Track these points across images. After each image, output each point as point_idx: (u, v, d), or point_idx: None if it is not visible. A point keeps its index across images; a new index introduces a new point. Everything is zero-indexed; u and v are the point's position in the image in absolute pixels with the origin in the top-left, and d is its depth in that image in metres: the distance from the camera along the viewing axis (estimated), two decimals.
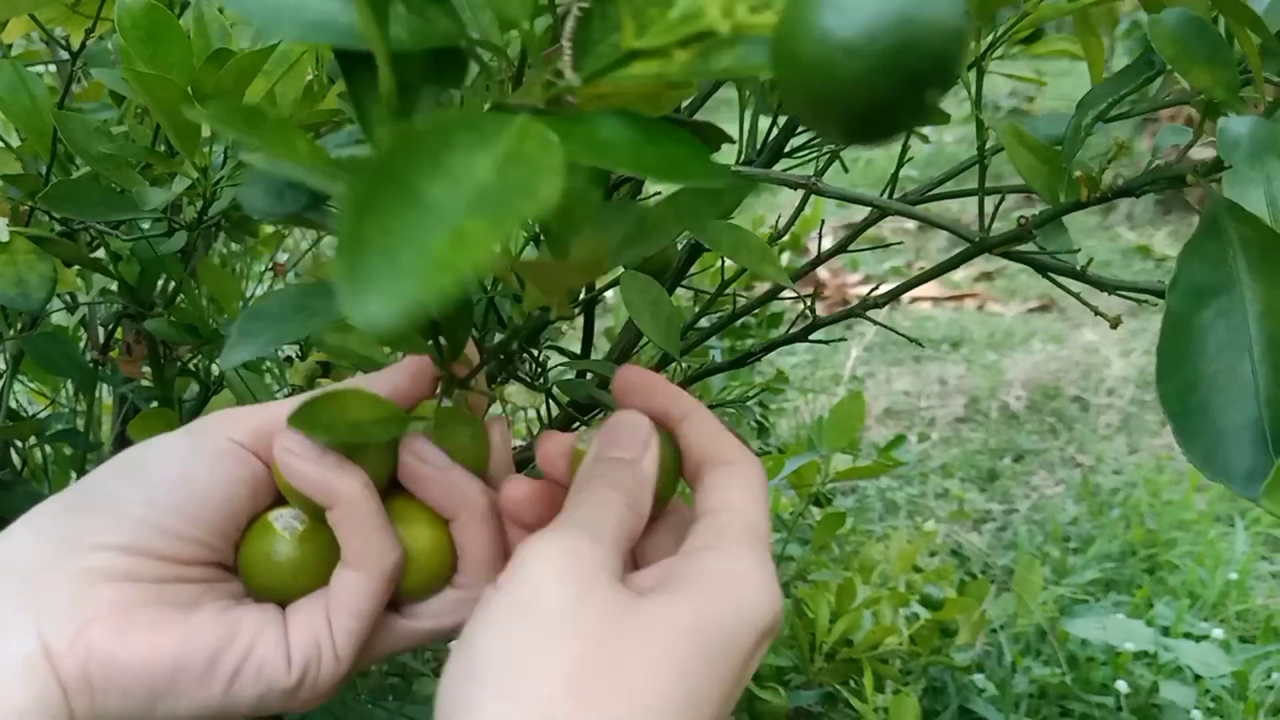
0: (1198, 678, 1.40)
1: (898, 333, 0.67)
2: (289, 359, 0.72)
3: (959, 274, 3.78)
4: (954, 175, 0.64)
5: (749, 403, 0.73)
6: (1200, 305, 0.36)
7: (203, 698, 0.37)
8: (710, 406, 0.75)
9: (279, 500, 0.42)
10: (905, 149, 0.66)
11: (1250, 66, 0.41)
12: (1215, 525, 1.93)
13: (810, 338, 0.63)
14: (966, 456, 2.31)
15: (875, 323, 0.64)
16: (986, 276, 3.76)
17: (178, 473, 0.39)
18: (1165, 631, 1.50)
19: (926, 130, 0.89)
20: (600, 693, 0.31)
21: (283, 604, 0.41)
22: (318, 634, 0.39)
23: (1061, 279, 0.54)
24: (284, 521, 0.41)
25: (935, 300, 3.63)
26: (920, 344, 0.65)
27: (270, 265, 1.42)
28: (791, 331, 0.64)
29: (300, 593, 0.41)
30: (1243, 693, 1.36)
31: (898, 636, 1.19)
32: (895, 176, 0.62)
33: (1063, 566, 1.83)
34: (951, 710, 1.31)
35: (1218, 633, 1.48)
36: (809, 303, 0.63)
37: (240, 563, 0.41)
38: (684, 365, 0.63)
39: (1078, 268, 0.51)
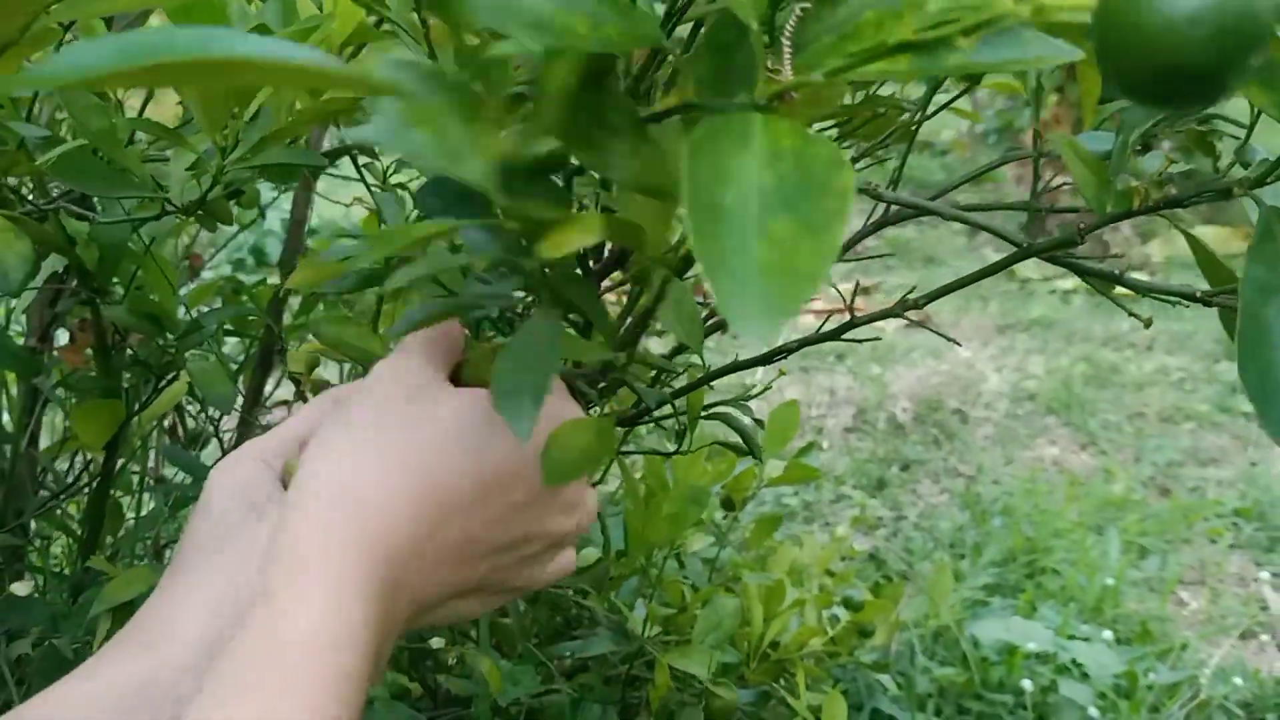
0: (1086, 676, 1.48)
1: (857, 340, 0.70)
2: (280, 350, 0.70)
3: (843, 286, 3.89)
4: (980, 173, 0.68)
5: (748, 402, 0.75)
6: (1265, 301, 0.40)
7: None
8: (707, 407, 0.76)
9: None
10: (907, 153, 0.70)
11: None
12: (1089, 534, 2.04)
13: (844, 336, 0.66)
14: (857, 465, 2.38)
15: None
16: (864, 291, 3.89)
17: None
18: (1053, 634, 1.58)
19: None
20: (399, 418, 0.40)
21: None
22: None
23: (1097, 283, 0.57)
24: None
25: (817, 313, 3.73)
26: (955, 342, 0.68)
27: (186, 257, 1.37)
28: (823, 331, 0.66)
29: None
30: (1132, 691, 1.44)
31: (822, 637, 1.22)
32: (897, 180, 0.65)
33: (957, 572, 1.91)
34: (866, 710, 1.36)
35: (1107, 634, 1.57)
36: (850, 301, 0.65)
37: None
38: (705, 363, 0.64)
39: (1116, 273, 0.54)
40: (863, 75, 0.28)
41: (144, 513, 1.11)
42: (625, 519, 0.94)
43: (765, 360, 0.71)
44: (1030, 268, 4.15)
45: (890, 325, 3.51)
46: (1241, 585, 1.94)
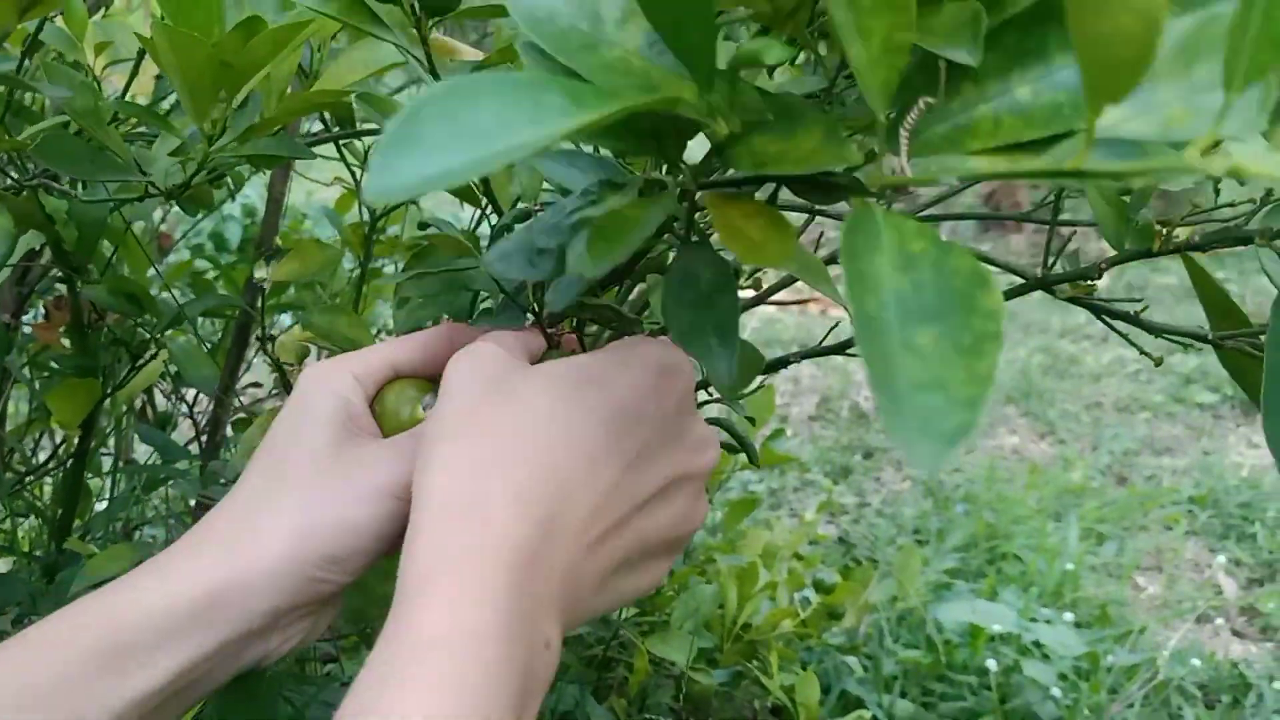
0: (1047, 657, 1.51)
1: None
2: (271, 337, 0.70)
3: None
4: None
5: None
6: None
7: None
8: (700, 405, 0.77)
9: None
10: None
11: None
12: (1048, 521, 2.08)
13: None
14: (821, 452, 2.41)
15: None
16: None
17: (336, 519, 0.41)
18: (1016, 615, 1.61)
19: None
20: (489, 416, 0.38)
21: None
22: None
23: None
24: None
25: (780, 304, 3.75)
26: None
27: (155, 237, 1.36)
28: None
29: None
30: (1092, 672, 1.47)
31: (794, 619, 1.23)
32: None
33: (921, 558, 1.93)
34: (834, 691, 1.38)
35: (1069, 616, 1.60)
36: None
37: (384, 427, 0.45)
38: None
39: (1132, 313, 0.55)
40: (975, 173, 0.28)
41: (115, 494, 1.10)
42: None
43: (772, 369, 0.71)
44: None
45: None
46: (1197, 571, 1.98)
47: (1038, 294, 0.58)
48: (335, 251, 0.78)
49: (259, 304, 1.05)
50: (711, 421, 0.74)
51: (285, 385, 0.75)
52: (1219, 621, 1.81)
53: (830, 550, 1.93)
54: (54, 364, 0.89)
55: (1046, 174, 0.27)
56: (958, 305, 0.23)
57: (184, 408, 1.28)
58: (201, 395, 1.15)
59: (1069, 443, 2.53)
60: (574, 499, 0.37)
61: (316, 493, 0.40)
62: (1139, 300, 0.55)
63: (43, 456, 1.19)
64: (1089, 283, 0.53)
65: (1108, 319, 0.56)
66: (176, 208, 1.43)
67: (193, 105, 0.52)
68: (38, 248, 0.84)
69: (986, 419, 2.64)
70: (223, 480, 1.04)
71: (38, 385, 1.03)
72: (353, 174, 0.89)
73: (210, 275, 1.43)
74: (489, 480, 0.36)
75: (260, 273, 0.70)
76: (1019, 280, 0.57)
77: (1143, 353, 0.59)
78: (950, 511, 2.13)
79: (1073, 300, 0.55)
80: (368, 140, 0.98)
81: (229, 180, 0.88)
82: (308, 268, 0.72)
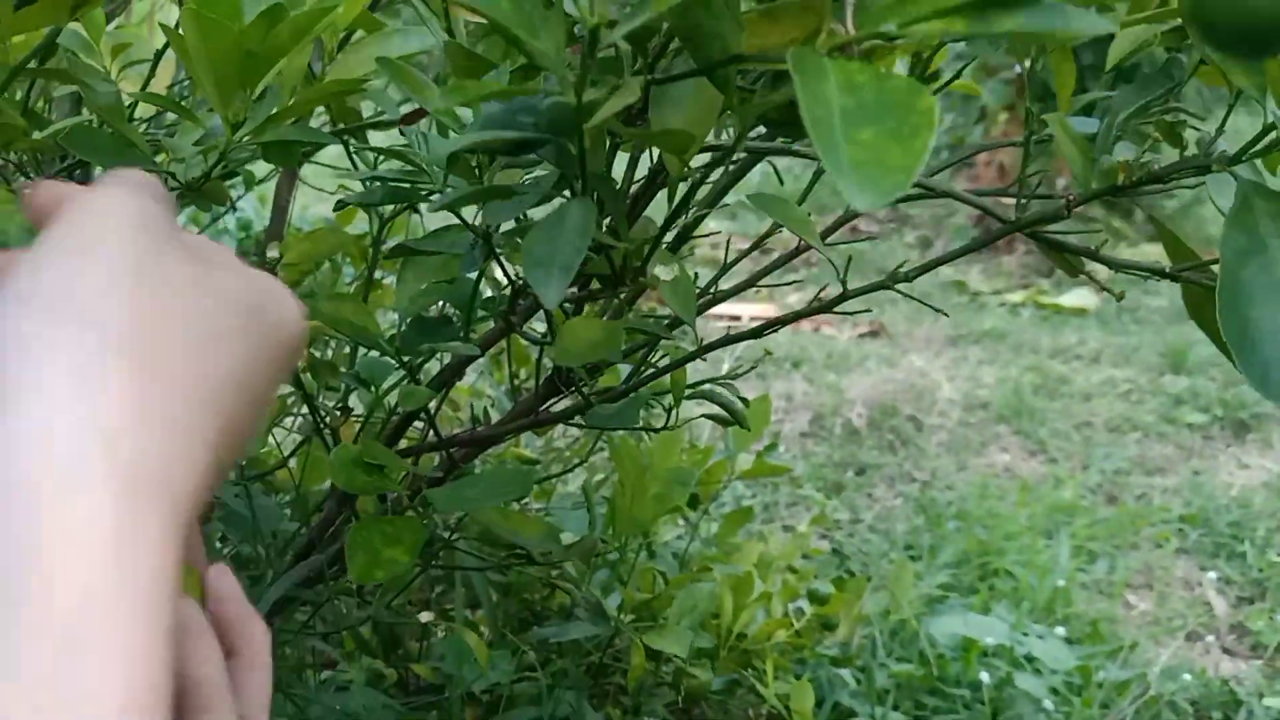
0: (1039, 672, 1.52)
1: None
2: None
3: (792, 298, 3.95)
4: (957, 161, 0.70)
5: (735, 380, 0.77)
6: (1243, 264, 0.43)
7: None
8: (692, 385, 0.78)
9: None
10: None
11: None
12: (1040, 538, 2.09)
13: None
14: (813, 469, 2.42)
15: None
16: (819, 301, 3.94)
17: None
18: (1009, 629, 1.62)
19: None
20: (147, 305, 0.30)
21: None
22: None
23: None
24: None
25: (765, 320, 3.77)
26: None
27: None
28: (817, 305, 0.69)
29: None
30: (1084, 686, 1.48)
31: (788, 629, 1.24)
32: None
33: (914, 573, 1.94)
34: (827, 703, 1.38)
35: (1060, 630, 1.61)
36: (843, 274, 0.67)
37: None
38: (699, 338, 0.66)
39: (1091, 248, 0.57)
40: (919, 34, 0.30)
41: None
42: (612, 498, 0.95)
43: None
44: (979, 280, 4.23)
45: (845, 334, 3.57)
46: (1187, 589, 1.99)
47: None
48: (345, 235, 0.79)
49: None
50: (701, 395, 0.76)
51: (295, 374, 0.76)
52: (1209, 639, 1.82)
53: (823, 564, 1.94)
54: None
55: (979, 34, 0.31)
56: (895, 108, 0.29)
57: None
58: None
59: (1060, 461, 2.54)
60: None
61: None
62: (1098, 232, 0.57)
63: None
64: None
65: (1069, 257, 0.59)
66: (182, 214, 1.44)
67: (218, 93, 0.53)
68: None
69: (978, 437, 2.65)
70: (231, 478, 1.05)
71: None
72: (354, 166, 0.89)
73: None
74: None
75: (272, 252, 0.71)
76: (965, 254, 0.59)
77: (1104, 289, 0.61)
78: (943, 528, 2.14)
79: (1034, 237, 0.57)
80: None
81: (240, 177, 0.89)
82: (319, 249, 0.73)
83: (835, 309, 0.71)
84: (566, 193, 0.48)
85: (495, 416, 0.85)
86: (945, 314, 0.72)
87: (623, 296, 0.53)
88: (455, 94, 0.44)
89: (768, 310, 3.88)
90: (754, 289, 0.82)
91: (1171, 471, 2.49)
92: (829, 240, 0.84)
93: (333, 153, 0.95)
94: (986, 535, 2.07)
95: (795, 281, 0.85)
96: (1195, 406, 2.83)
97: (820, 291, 0.75)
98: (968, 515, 2.17)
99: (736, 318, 3.35)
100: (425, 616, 0.85)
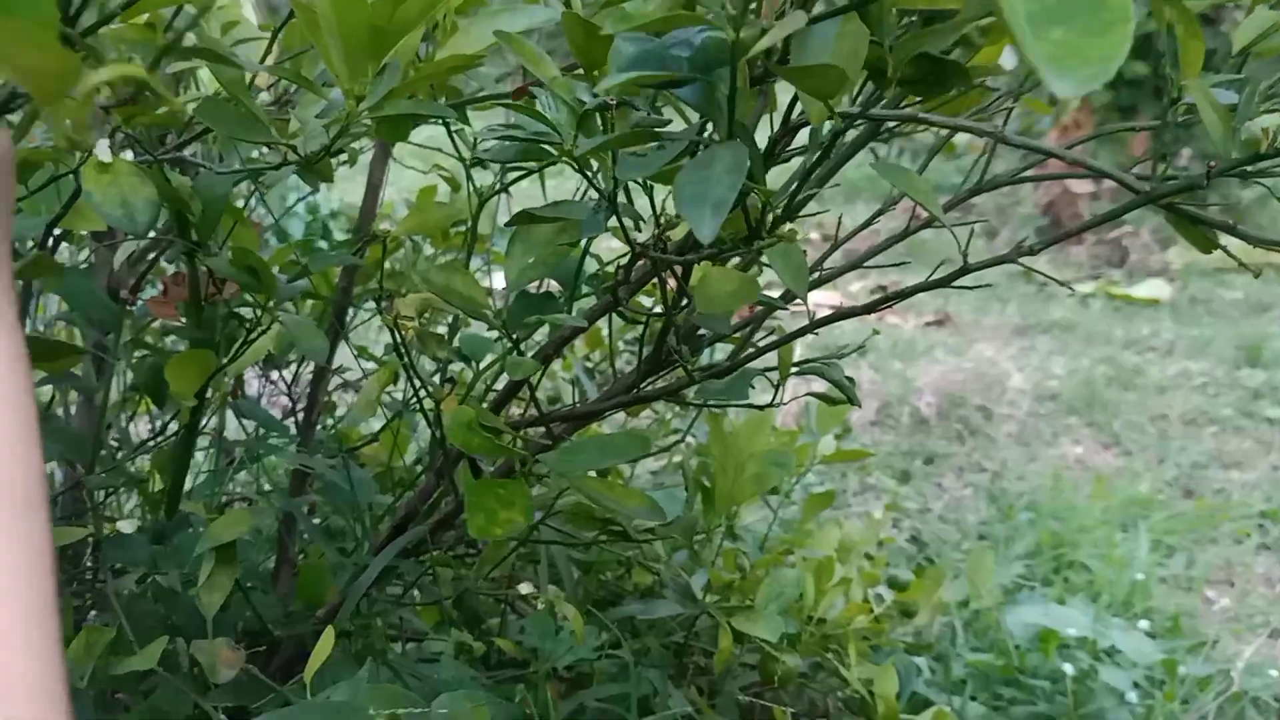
0: (1118, 665, 1.49)
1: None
2: (390, 296, 0.72)
3: (854, 286, 3.92)
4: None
5: (841, 360, 0.77)
6: None
7: None
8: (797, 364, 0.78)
9: None
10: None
11: None
12: (1115, 531, 2.06)
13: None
14: (881, 458, 2.40)
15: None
16: (882, 290, 3.90)
17: None
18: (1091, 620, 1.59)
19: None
20: None
21: None
22: None
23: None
24: None
25: (832, 308, 3.75)
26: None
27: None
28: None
29: None
30: (1167, 680, 1.46)
31: (868, 614, 1.24)
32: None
33: None
34: (905, 692, 1.37)
35: (1143, 624, 1.58)
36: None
37: None
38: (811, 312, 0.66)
39: (1230, 223, 0.56)
40: None
41: (209, 468, 1.13)
42: (712, 476, 0.95)
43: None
44: (1047, 268, 4.16)
45: (908, 324, 3.53)
46: (1269, 586, 1.95)
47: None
48: (452, 209, 0.80)
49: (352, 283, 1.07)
50: (812, 371, 0.75)
51: (400, 343, 0.77)
52: None
53: (896, 552, 1.93)
54: (148, 344, 0.92)
55: None
56: (1083, 9, 0.31)
57: (271, 387, 1.31)
58: (299, 371, 1.18)
59: (1135, 454, 2.50)
60: None
61: None
62: (1236, 204, 0.56)
63: (134, 433, 1.22)
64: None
65: (1205, 230, 0.57)
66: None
67: (348, 66, 0.54)
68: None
69: (1049, 428, 2.62)
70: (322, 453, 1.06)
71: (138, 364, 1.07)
72: (462, 161, 0.90)
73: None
74: None
75: (385, 225, 0.72)
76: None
77: (1241, 265, 0.60)
78: (1014, 519, 2.11)
79: (1168, 208, 0.56)
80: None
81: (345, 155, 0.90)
82: (427, 222, 0.74)
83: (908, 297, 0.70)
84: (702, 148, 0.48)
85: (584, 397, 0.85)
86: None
87: (755, 249, 0.53)
88: (620, 21, 0.44)
89: (832, 297, 3.86)
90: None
91: (1250, 466, 2.43)
92: (902, 235, 0.84)
93: (421, 132, 0.97)
94: (1060, 527, 2.04)
95: (903, 263, 0.83)
96: (1274, 400, 2.76)
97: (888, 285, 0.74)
98: (1040, 507, 2.14)
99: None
100: (525, 588, 0.86)
